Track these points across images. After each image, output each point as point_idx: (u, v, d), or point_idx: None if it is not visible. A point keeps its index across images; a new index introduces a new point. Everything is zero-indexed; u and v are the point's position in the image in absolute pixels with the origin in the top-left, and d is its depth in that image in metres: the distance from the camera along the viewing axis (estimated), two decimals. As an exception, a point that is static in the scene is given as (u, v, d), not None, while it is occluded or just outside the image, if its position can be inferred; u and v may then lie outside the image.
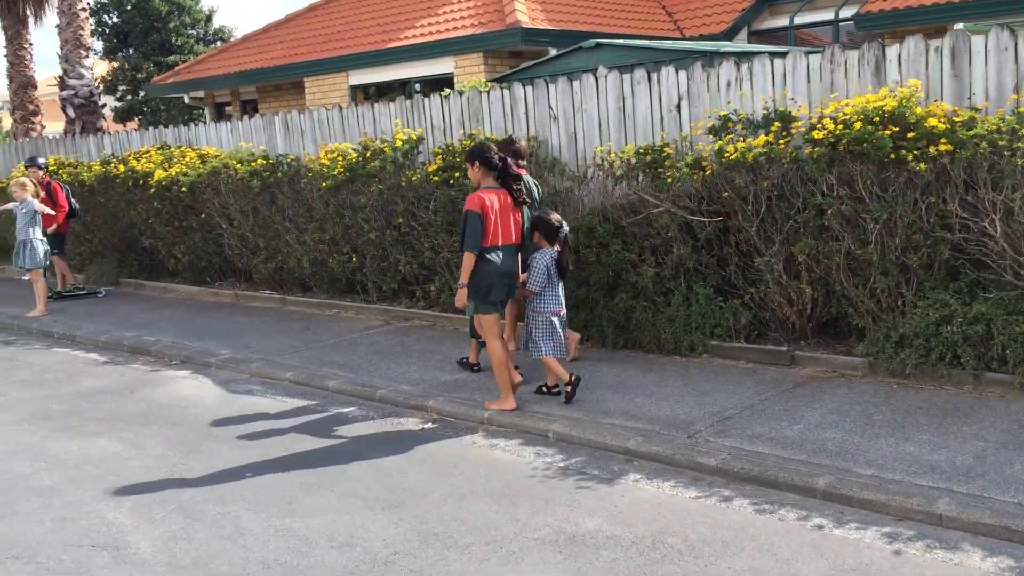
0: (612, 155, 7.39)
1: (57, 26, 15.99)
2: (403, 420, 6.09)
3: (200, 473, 5.22)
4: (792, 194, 6.43)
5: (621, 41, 9.93)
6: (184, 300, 11.22)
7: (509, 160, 5.97)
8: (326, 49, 15.35)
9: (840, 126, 5.95)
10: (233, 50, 17.97)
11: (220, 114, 18.67)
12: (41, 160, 11.83)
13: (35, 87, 18.57)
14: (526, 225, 6.05)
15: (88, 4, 16.07)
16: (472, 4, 13.99)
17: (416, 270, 8.97)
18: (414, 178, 8.67)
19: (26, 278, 11.73)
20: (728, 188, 6.54)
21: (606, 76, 8.11)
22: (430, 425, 5.94)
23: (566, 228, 5.99)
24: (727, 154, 6.50)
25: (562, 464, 5.07)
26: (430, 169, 8.60)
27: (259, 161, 10.54)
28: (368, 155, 9.27)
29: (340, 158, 9.43)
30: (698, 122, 7.20)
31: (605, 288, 7.27)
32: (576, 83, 8.30)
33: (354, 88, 14.80)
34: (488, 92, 9.07)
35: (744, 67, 7.20)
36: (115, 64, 32.73)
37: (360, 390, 6.74)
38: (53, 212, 11.12)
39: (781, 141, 6.42)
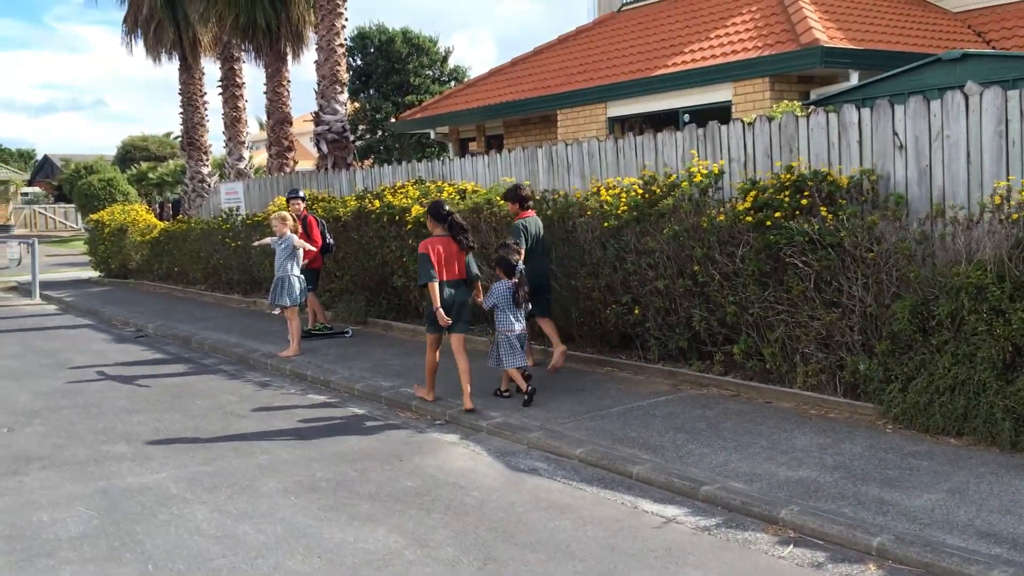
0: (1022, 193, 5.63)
1: (315, 62, 16.13)
2: (749, 535, 4.65)
3: (507, 596, 4.03)
4: None
5: (995, 51, 8.09)
6: (436, 345, 10.39)
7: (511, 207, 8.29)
8: (581, 80, 14.39)
9: None
10: (480, 84, 17.51)
11: (463, 150, 18.25)
12: (302, 193, 11.54)
13: (291, 123, 19.04)
14: (472, 265, 7.54)
15: (344, 41, 16.07)
16: (753, 25, 12.52)
17: (714, 328, 7.54)
18: (719, 218, 7.27)
19: (276, 312, 11.42)
20: None
21: (980, 94, 6.37)
22: (792, 549, 4.46)
23: (521, 266, 7.46)
24: None
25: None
26: (740, 208, 7.18)
27: (525, 197, 9.56)
28: (657, 191, 8.01)
29: (624, 195, 8.23)
30: None
31: (998, 368, 5.50)
32: (935, 103, 6.62)
33: (612, 120, 13.70)
34: (807, 117, 7.56)
35: None
36: (356, 104, 34.00)
37: (676, 483, 5.38)
38: (314, 248, 10.71)
39: None
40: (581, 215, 8.62)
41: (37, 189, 58.20)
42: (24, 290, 19.14)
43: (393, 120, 33.38)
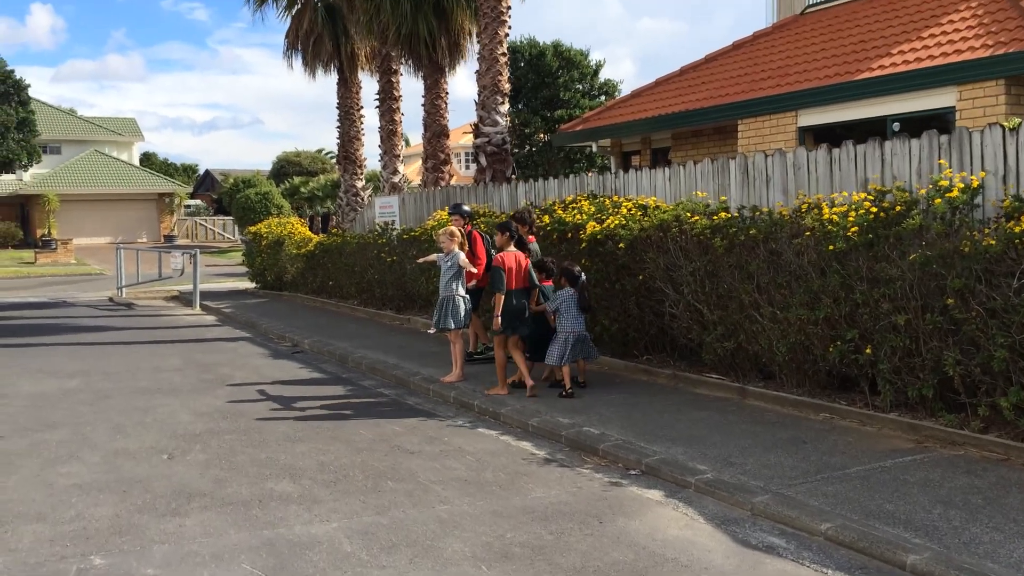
0: None
1: (476, 72, 15.54)
2: (1109, 675, 3.42)
3: None
4: None
5: None
6: (612, 377, 9.43)
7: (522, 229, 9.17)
8: (767, 86, 13.14)
9: None
10: (647, 94, 16.49)
11: (626, 164, 17.26)
12: (466, 208, 10.85)
13: (447, 136, 18.58)
14: (533, 275, 8.81)
15: (509, 49, 15.40)
16: (977, 23, 10.96)
17: (973, 374, 6.22)
18: (989, 242, 5.97)
19: (432, 332, 10.69)
20: None
21: None
22: None
23: (583, 277, 8.47)
24: None
25: None
26: (1016, 230, 5.86)
27: (722, 215, 8.48)
28: (897, 208, 6.77)
29: (852, 212, 7.02)
30: None
31: None
32: None
33: (803, 130, 12.39)
34: (1097, 120, 6.16)
35: None
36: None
37: (972, 583, 4.17)
38: (476, 271, 9.94)
39: None
40: (797, 235, 7.45)
41: (198, 202, 61.22)
42: (185, 300, 19.46)
43: (543, 136, 32.92)
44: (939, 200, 6.42)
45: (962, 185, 6.44)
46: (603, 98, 33.89)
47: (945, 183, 6.60)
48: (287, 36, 23.39)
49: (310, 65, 23.32)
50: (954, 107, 10.41)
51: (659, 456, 6.39)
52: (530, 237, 9.49)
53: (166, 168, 73.02)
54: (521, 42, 33.94)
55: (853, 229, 6.85)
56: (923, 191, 6.72)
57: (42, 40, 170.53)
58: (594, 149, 18.29)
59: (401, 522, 5.26)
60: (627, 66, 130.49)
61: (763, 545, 4.87)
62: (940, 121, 10.49)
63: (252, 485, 6.02)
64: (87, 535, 5.07)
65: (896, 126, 11.09)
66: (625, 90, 36.27)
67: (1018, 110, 9.78)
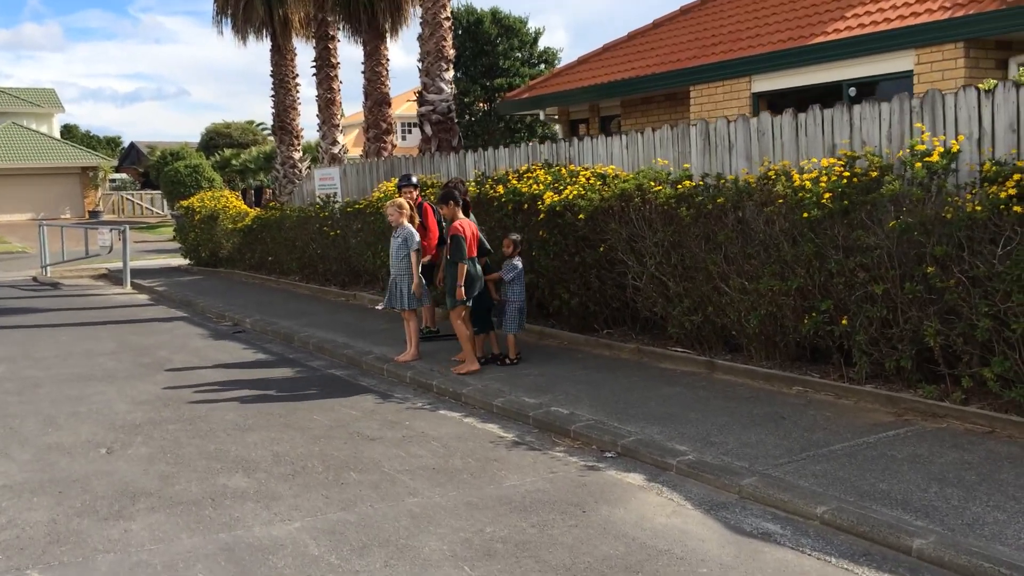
0: None
1: (419, 37, 14.96)
2: None
3: None
4: None
5: None
6: (570, 351, 9.12)
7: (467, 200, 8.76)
8: (719, 51, 12.89)
9: None
10: (594, 61, 16.12)
11: (573, 132, 16.91)
12: (415, 179, 10.37)
13: (389, 104, 17.95)
14: (485, 243, 8.71)
15: (451, 14, 14.84)
16: (934, -17, 10.85)
17: (955, 345, 6.06)
18: (974, 208, 5.78)
19: (379, 308, 10.25)
20: None
21: None
22: None
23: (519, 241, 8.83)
24: None
25: None
26: (1002, 195, 5.68)
27: (686, 183, 8.19)
28: (872, 174, 6.55)
29: (824, 179, 6.79)
30: None
31: None
32: None
33: (757, 96, 12.18)
34: (1075, 82, 6.00)
35: None
36: (445, 87, 32.86)
37: (986, 569, 3.96)
38: (425, 255, 9.50)
39: None
40: (768, 203, 7.19)
41: (124, 175, 58.93)
42: (115, 278, 18.55)
43: (483, 105, 32.33)
44: (919, 164, 6.21)
45: (942, 149, 6.24)
46: (543, 66, 33.42)
47: (922, 147, 6.40)
48: (215, 0, 22.32)
49: (240, 31, 22.30)
50: (912, 71, 10.29)
51: (635, 437, 6.11)
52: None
53: (88, 141, 70.18)
54: (459, 9, 33.20)
55: (827, 196, 6.62)
56: (900, 154, 6.50)
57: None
58: (541, 117, 17.92)
59: (370, 519, 4.87)
60: (561, 36, 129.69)
61: (758, 532, 4.62)
62: (899, 85, 10.35)
63: (202, 481, 5.55)
64: (21, 545, 4.56)
65: (852, 91, 10.95)
66: (563, 60, 35.84)
67: (977, 73, 9.71)
